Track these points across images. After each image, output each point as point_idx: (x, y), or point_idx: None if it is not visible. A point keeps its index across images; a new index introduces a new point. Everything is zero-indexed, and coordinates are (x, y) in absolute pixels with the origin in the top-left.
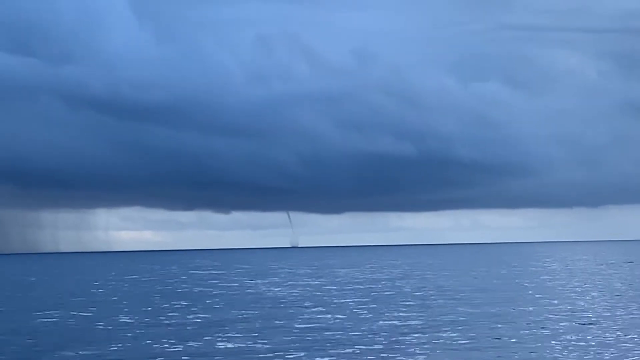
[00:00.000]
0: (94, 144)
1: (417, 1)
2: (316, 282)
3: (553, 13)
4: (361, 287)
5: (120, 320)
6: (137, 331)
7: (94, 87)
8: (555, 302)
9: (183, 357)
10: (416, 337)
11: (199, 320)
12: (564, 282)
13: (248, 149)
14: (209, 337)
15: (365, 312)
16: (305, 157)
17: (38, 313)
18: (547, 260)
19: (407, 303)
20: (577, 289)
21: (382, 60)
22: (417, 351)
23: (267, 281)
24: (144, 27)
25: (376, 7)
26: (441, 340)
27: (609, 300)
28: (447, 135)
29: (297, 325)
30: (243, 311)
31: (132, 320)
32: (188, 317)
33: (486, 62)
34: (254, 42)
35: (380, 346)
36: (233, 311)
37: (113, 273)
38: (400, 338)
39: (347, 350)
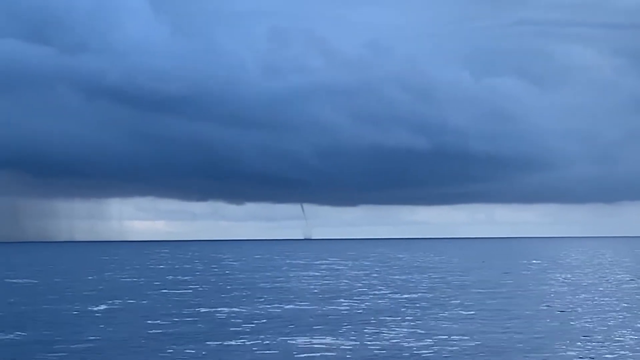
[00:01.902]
0: (109, 133)
1: None
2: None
3: (568, 8)
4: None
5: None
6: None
7: (109, 77)
8: None
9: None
10: None
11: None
12: None
13: (262, 140)
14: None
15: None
16: (320, 150)
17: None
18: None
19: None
20: None
21: (396, 54)
22: None
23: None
24: (160, 18)
25: (391, 0)
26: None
27: None
28: (462, 129)
29: None
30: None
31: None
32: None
33: (501, 57)
34: (269, 35)
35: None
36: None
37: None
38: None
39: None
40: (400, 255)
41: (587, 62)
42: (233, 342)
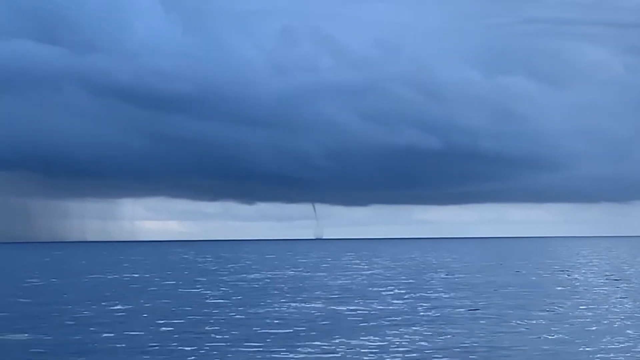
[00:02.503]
0: (120, 133)
1: None
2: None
3: (579, 6)
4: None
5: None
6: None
7: (119, 76)
8: None
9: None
10: None
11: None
12: None
13: (273, 140)
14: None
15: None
16: (330, 149)
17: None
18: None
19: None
20: None
21: (406, 52)
22: None
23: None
24: (169, 17)
25: None
26: None
27: None
28: (472, 128)
29: None
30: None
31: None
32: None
33: (511, 55)
34: (278, 34)
35: None
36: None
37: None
38: None
39: None
40: (430, 257)
41: (597, 60)
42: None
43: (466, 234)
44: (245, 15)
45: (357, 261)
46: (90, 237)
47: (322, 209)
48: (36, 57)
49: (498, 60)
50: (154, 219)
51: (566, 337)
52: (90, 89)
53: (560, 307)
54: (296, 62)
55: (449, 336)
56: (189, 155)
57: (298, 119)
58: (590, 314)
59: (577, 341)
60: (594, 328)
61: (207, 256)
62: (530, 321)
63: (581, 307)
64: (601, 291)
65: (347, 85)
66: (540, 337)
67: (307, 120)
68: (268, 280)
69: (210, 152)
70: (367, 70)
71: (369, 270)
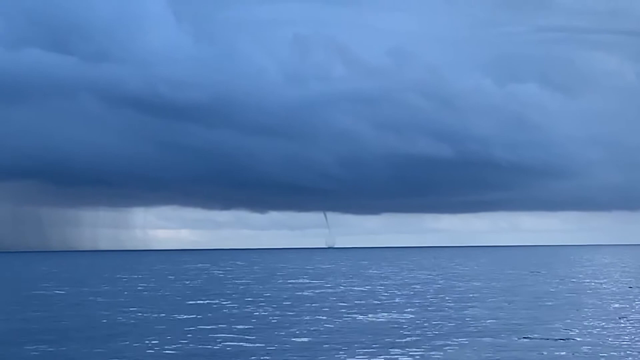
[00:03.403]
0: (132, 142)
1: (454, 2)
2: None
3: (591, 15)
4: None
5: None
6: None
7: (131, 85)
8: None
9: None
10: None
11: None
12: None
13: (285, 148)
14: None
15: None
16: (342, 158)
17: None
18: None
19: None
20: None
21: (418, 61)
22: None
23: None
24: (182, 26)
25: (413, 7)
26: None
27: None
28: (485, 137)
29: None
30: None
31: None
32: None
33: (524, 64)
34: (291, 43)
35: None
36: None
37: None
38: None
39: None
40: (461, 266)
41: (610, 68)
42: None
43: (479, 243)
44: (258, 24)
45: (397, 271)
46: (103, 246)
47: (334, 217)
48: (49, 66)
49: (511, 68)
50: (166, 228)
51: None
52: (103, 98)
53: None
54: (309, 71)
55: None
56: (201, 163)
57: (310, 128)
58: None
59: None
60: None
61: (256, 266)
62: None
63: None
64: None
65: (360, 94)
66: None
67: (319, 129)
68: (353, 291)
69: (222, 161)
70: (380, 79)
71: (433, 280)
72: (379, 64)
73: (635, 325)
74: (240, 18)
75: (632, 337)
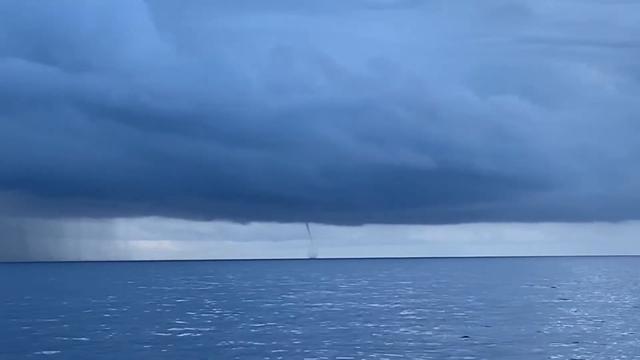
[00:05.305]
0: (114, 153)
1: (436, 13)
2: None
3: (572, 26)
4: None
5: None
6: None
7: (114, 96)
8: None
9: None
10: None
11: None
12: None
13: (267, 159)
14: None
15: None
16: (325, 169)
17: None
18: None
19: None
20: None
21: (401, 72)
22: None
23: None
24: (164, 36)
25: (395, 19)
26: None
27: None
28: (467, 148)
29: None
30: None
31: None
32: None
33: (505, 75)
34: (273, 53)
35: None
36: None
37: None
38: None
39: None
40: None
41: (591, 80)
42: None
43: (461, 254)
44: (240, 35)
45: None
46: (86, 257)
47: (317, 228)
48: (30, 76)
49: (492, 79)
50: (148, 239)
51: None
52: (85, 108)
53: None
54: (292, 82)
55: None
56: (183, 174)
57: (293, 138)
58: None
59: None
60: None
61: (262, 281)
62: None
63: None
64: None
65: (342, 105)
66: None
67: (301, 140)
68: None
69: (204, 172)
70: (363, 90)
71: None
72: (362, 74)
73: None
74: (223, 28)
75: None
